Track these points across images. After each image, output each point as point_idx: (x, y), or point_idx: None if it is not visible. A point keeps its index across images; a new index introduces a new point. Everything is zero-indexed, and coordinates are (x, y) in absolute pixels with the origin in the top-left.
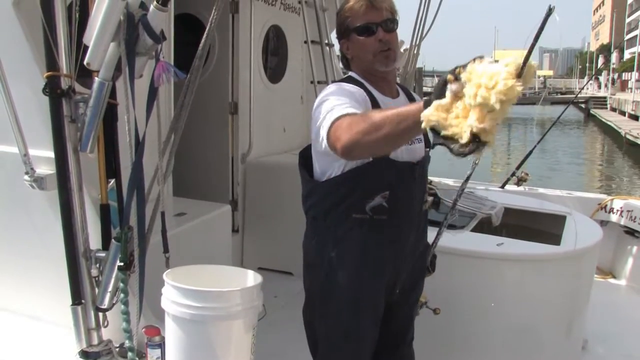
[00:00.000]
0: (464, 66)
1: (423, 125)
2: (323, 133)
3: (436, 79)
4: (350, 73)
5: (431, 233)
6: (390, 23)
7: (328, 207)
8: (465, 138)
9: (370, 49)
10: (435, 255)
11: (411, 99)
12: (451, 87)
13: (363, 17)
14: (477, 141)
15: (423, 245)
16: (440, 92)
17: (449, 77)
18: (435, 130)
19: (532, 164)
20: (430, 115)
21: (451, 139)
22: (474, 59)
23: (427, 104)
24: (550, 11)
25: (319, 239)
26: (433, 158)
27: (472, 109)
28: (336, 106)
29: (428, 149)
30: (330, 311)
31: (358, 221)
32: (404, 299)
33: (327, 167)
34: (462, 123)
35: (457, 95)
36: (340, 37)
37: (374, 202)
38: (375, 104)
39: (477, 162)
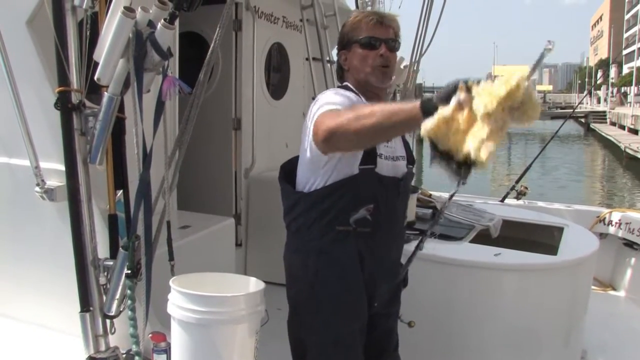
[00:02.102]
0: (478, 82)
1: (422, 133)
2: (311, 126)
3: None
4: (346, 82)
5: (432, 244)
6: (393, 42)
7: (313, 219)
8: (461, 155)
9: (370, 63)
10: (407, 269)
11: None
12: (459, 96)
13: (370, 31)
14: (469, 163)
15: (399, 261)
16: (446, 98)
17: (461, 85)
18: (432, 143)
19: (532, 179)
20: (432, 127)
21: (447, 154)
22: (489, 78)
23: (425, 105)
24: (546, 51)
25: (302, 250)
26: (433, 173)
27: (477, 123)
28: (328, 104)
29: (411, 166)
30: (318, 321)
31: (342, 233)
32: (384, 311)
33: (312, 176)
34: (460, 140)
35: (461, 106)
36: (341, 48)
37: (358, 214)
38: None
39: (464, 182)
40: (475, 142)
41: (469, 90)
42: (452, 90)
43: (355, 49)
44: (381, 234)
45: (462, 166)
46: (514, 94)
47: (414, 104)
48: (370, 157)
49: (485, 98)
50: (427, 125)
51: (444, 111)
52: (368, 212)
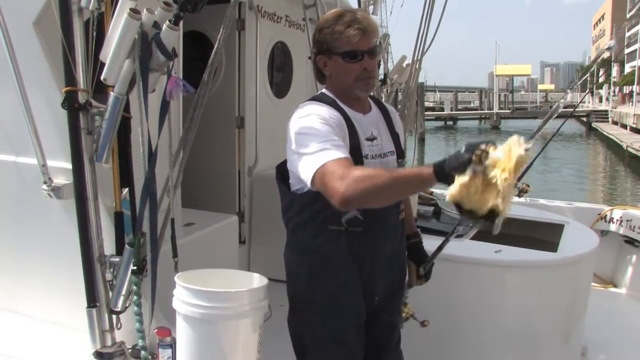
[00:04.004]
0: (486, 152)
1: (447, 199)
2: (307, 172)
3: (438, 94)
4: (323, 90)
5: (434, 241)
6: (374, 49)
7: (306, 218)
8: (483, 212)
9: (353, 75)
10: (433, 263)
11: (384, 111)
12: (475, 168)
13: (353, 44)
14: (492, 215)
15: (402, 255)
16: (462, 168)
17: (475, 158)
18: (456, 204)
19: (534, 178)
20: (456, 193)
21: (470, 212)
22: (487, 144)
23: (440, 174)
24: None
25: (298, 249)
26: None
27: (495, 188)
28: (317, 143)
29: (401, 160)
30: (315, 318)
31: (334, 233)
32: (385, 306)
33: (303, 183)
34: (480, 200)
35: (476, 175)
36: (318, 52)
37: (349, 214)
38: (348, 121)
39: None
40: (498, 200)
41: (480, 160)
42: (466, 161)
43: (336, 59)
44: (374, 231)
45: (488, 218)
46: (523, 162)
47: (428, 172)
48: (355, 160)
49: (504, 173)
50: (452, 192)
51: (462, 179)
52: (359, 212)
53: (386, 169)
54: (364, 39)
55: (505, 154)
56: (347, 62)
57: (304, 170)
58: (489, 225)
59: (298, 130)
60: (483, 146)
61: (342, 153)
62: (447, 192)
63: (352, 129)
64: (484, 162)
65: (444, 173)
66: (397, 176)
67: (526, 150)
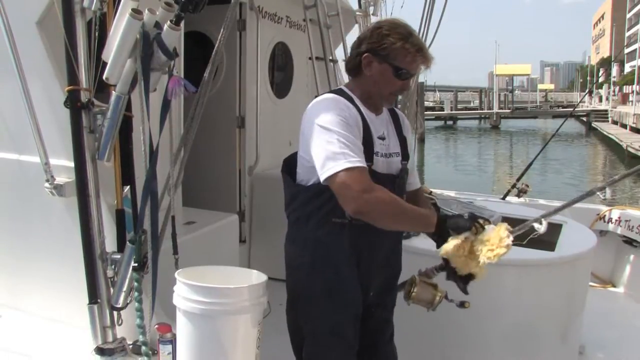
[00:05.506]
0: (482, 227)
1: (441, 253)
2: (328, 168)
3: (438, 94)
4: (342, 87)
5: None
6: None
7: (310, 210)
8: (463, 273)
9: (392, 89)
10: None
11: (393, 115)
12: (469, 236)
13: (412, 66)
14: (469, 277)
15: (398, 254)
16: (459, 231)
17: (473, 230)
18: (445, 259)
19: (534, 178)
20: (450, 250)
21: (454, 269)
22: (484, 220)
23: (440, 225)
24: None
25: (300, 241)
26: (438, 171)
27: (476, 258)
28: (341, 142)
29: (405, 162)
30: (313, 310)
31: (337, 225)
32: (379, 301)
33: (311, 172)
34: (465, 262)
35: (467, 240)
36: (369, 51)
37: None
38: (363, 119)
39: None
40: (477, 269)
41: (476, 232)
42: (465, 228)
43: (387, 67)
44: (376, 227)
45: (465, 278)
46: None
47: (433, 221)
48: (367, 155)
49: (489, 253)
50: (446, 248)
51: (456, 241)
52: None
53: (402, 201)
54: (419, 63)
55: (496, 239)
56: (395, 77)
57: (324, 165)
58: (462, 285)
59: (320, 122)
60: (482, 221)
61: (363, 162)
62: (442, 248)
63: (367, 126)
64: (478, 234)
65: (444, 227)
66: (410, 211)
67: (507, 245)
